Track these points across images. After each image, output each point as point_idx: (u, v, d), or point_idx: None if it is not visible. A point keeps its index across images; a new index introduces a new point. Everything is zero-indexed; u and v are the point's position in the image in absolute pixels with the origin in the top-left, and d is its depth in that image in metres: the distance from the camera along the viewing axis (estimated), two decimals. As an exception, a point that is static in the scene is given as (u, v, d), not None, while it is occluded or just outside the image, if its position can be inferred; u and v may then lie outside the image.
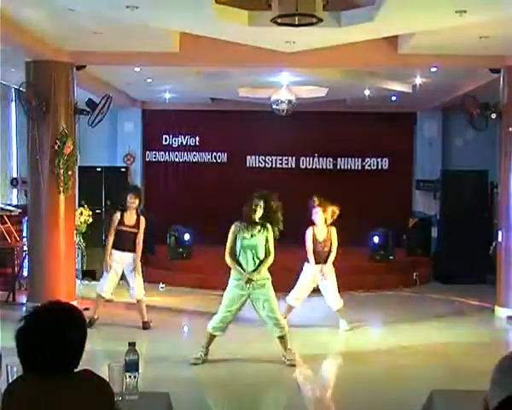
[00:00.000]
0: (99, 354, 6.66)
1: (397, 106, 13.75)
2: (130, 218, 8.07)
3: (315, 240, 8.14)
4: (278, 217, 6.69)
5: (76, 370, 2.32)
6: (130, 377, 3.24)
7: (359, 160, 14.72)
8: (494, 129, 9.62)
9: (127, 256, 8.07)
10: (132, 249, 8.06)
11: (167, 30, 8.12)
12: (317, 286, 8.25)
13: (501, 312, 9.31)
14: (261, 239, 6.61)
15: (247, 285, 6.54)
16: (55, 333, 2.25)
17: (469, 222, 11.88)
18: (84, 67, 9.37)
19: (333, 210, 8.17)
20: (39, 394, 2.21)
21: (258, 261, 6.60)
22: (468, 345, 7.69)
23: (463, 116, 10.13)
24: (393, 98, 12.96)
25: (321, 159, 14.73)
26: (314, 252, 8.13)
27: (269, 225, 6.64)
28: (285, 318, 7.68)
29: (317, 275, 8.15)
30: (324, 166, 14.75)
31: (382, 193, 14.15)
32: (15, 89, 11.20)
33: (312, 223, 8.22)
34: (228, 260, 6.66)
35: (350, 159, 14.72)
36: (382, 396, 5.93)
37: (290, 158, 14.75)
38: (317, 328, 8.31)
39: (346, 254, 12.55)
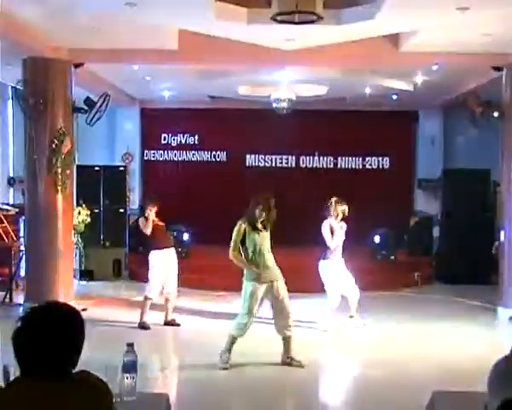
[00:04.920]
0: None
1: (398, 104, 13.68)
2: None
3: (332, 231, 8.14)
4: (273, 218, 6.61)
5: (74, 371, 2.29)
6: (128, 378, 3.23)
7: (360, 159, 14.66)
8: (496, 127, 9.56)
9: (172, 252, 8.19)
10: (172, 244, 8.26)
11: (166, 27, 8.06)
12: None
13: (503, 312, 9.25)
14: (266, 236, 6.57)
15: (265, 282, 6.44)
16: (52, 334, 2.22)
17: (471, 221, 11.78)
18: (82, 64, 9.30)
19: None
20: (37, 395, 2.19)
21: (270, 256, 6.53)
22: (470, 346, 7.63)
23: (465, 114, 10.07)
24: (394, 97, 12.88)
25: (321, 158, 14.68)
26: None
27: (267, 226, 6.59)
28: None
29: (342, 267, 8.26)
30: (324, 165, 14.70)
31: (383, 192, 14.08)
32: (12, 87, 11.13)
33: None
34: (235, 256, 6.50)
35: (350, 158, 14.66)
36: (383, 398, 5.87)
37: (290, 157, 14.70)
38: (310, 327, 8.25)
39: (347, 253, 12.46)
